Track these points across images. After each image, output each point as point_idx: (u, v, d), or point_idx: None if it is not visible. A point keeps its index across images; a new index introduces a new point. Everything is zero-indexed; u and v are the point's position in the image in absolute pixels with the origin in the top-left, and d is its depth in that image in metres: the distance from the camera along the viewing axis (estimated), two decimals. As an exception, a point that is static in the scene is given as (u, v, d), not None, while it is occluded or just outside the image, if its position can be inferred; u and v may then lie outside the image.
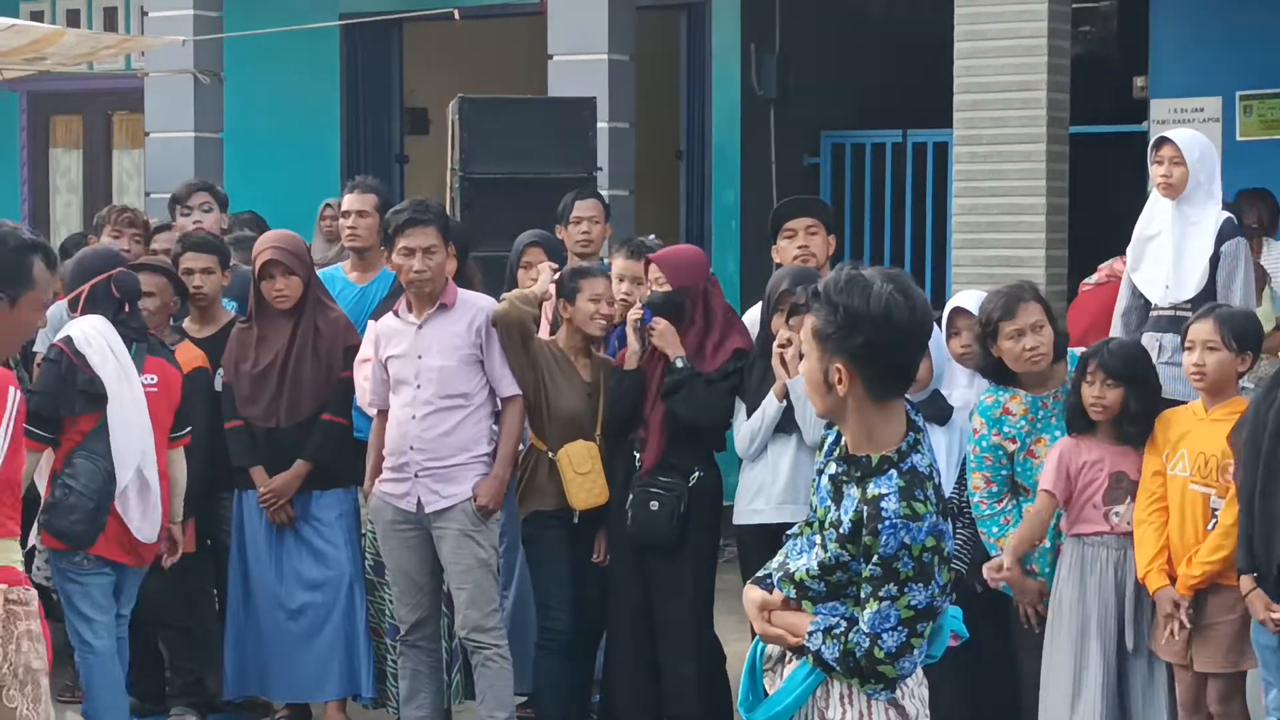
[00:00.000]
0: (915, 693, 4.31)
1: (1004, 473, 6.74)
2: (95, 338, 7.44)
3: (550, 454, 7.47)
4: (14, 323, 5.04)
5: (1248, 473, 6.09)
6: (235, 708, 8.15)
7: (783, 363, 7.12)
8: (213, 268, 8.13)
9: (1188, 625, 6.36)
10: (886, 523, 4.09)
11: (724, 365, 7.32)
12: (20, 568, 5.03)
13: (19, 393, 4.93)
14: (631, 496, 7.29)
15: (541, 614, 7.57)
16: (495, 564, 7.35)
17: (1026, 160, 9.22)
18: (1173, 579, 6.41)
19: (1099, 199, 10.73)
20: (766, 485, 7.23)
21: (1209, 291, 7.42)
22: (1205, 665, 6.41)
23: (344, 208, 8.50)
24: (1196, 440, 6.42)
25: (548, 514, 7.52)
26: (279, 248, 7.79)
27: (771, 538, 6.77)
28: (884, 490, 4.13)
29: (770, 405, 7.18)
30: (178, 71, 12.35)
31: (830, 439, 4.38)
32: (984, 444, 6.74)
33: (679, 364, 7.24)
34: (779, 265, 7.59)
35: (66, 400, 7.33)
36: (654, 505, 7.24)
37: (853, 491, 4.20)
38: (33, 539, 7.35)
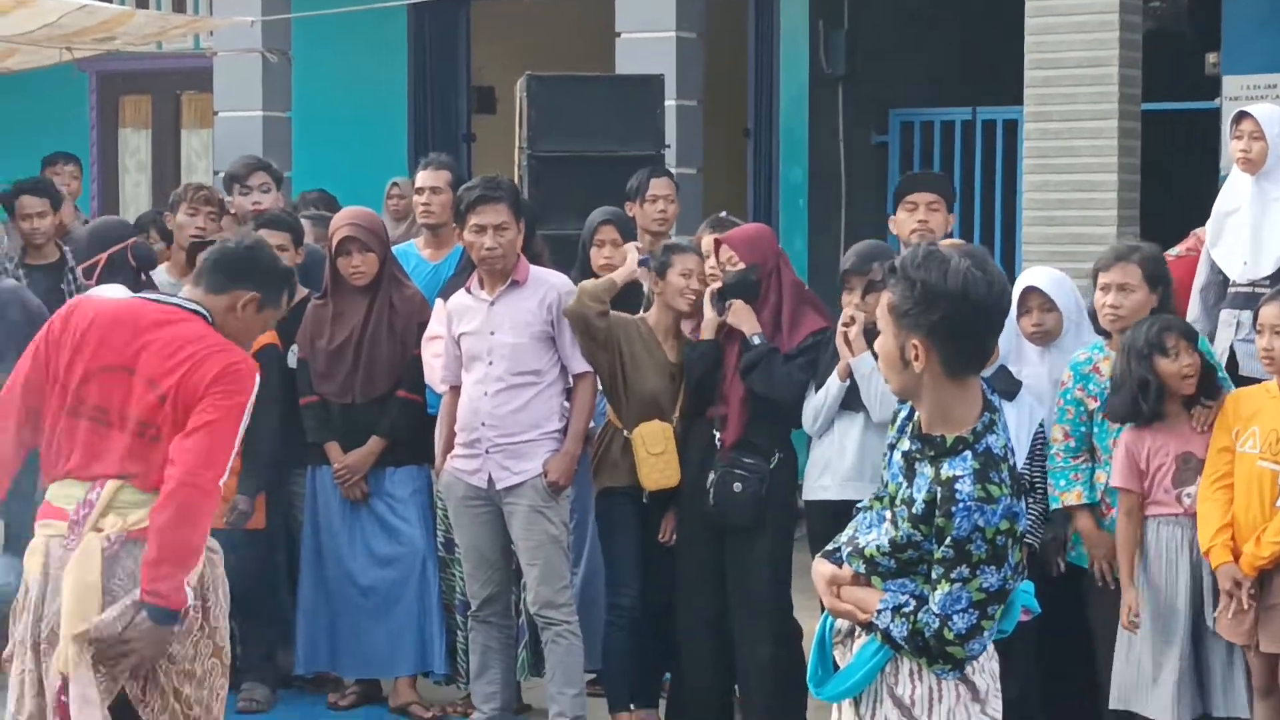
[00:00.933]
0: (985, 667, 4.29)
1: (1083, 429, 6.73)
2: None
3: (626, 432, 7.47)
4: (253, 326, 5.46)
5: None
6: (306, 683, 8.20)
7: (846, 341, 7.11)
8: (286, 245, 8.15)
9: (1246, 605, 6.31)
10: (960, 505, 4.07)
11: (802, 342, 7.30)
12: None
13: (259, 378, 5.29)
14: (714, 477, 7.26)
15: (611, 590, 7.58)
16: (566, 540, 7.37)
17: (1098, 137, 9.18)
18: (1237, 556, 6.36)
19: (1170, 176, 10.69)
20: (834, 462, 7.22)
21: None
22: (1271, 645, 6.34)
23: (417, 184, 8.52)
24: (1268, 418, 6.36)
25: (620, 490, 7.51)
26: (356, 224, 7.83)
27: (838, 515, 6.78)
28: (958, 472, 4.10)
29: (833, 384, 7.16)
30: (246, 51, 12.43)
31: (903, 414, 4.36)
32: (1068, 397, 6.75)
33: (755, 340, 7.23)
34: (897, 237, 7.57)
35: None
36: (737, 487, 7.21)
37: (926, 470, 4.18)
38: None
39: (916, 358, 4.14)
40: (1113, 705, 6.62)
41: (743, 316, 7.27)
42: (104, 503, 5.10)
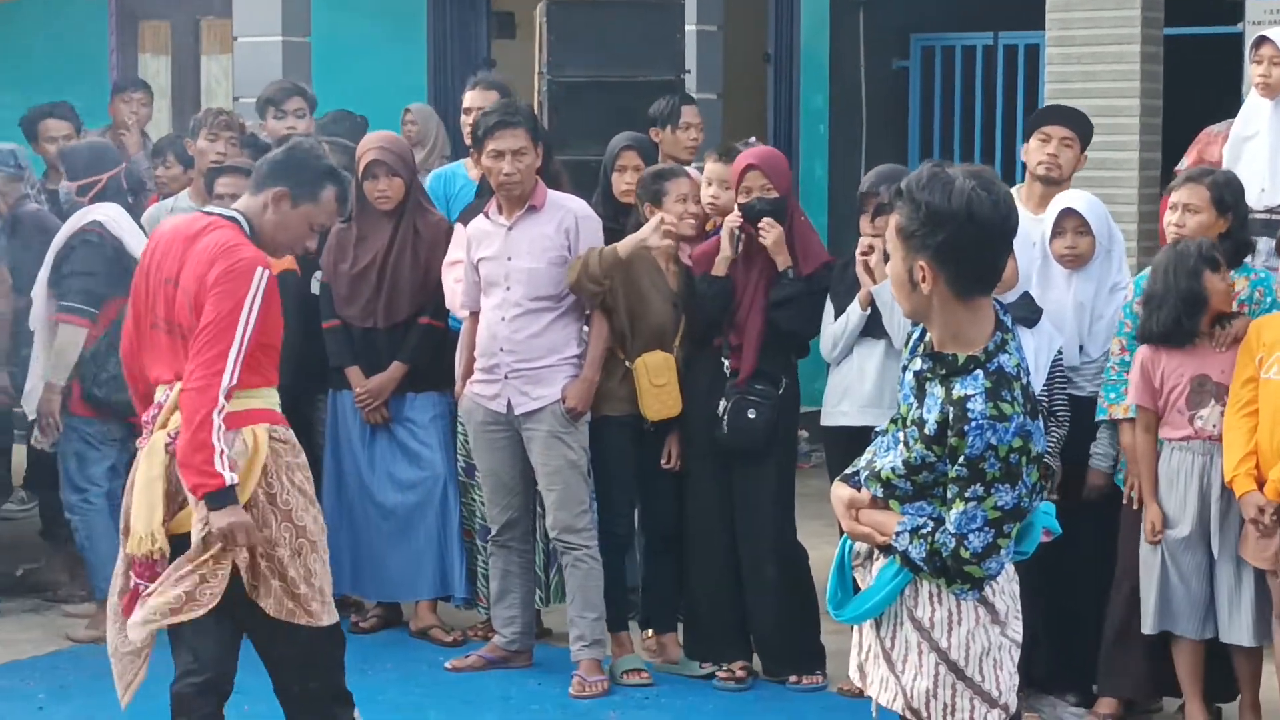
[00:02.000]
0: (1005, 589, 4.30)
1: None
2: (125, 222, 7.97)
3: (627, 362, 7.47)
4: (287, 222, 5.57)
5: None
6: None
7: (866, 269, 7.10)
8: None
9: (1273, 532, 6.32)
10: (973, 424, 4.08)
11: (815, 273, 7.30)
12: (279, 410, 5.55)
13: (267, 270, 5.39)
14: (727, 404, 7.27)
15: (604, 517, 7.60)
16: (585, 465, 7.39)
17: (1119, 61, 9.14)
18: (1260, 484, 6.37)
19: (1192, 102, 10.61)
20: (853, 388, 7.24)
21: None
22: (1295, 570, 6.37)
23: (466, 104, 8.52)
24: (1293, 344, 6.36)
25: (616, 419, 7.52)
26: (384, 148, 7.84)
27: (857, 440, 6.79)
28: (970, 391, 4.11)
29: (854, 312, 7.17)
30: (266, -25, 12.37)
31: (915, 335, 4.37)
32: (1127, 310, 6.77)
33: (789, 274, 7.22)
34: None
35: (116, 280, 7.68)
36: (752, 414, 7.23)
37: (936, 390, 4.19)
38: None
39: (924, 279, 4.15)
40: (1147, 630, 6.64)
41: (780, 246, 7.24)
42: (171, 404, 5.38)
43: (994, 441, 4.07)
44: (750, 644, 7.49)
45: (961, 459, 4.10)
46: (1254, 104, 7.68)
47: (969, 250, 4.11)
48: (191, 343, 5.30)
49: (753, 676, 7.44)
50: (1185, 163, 8.62)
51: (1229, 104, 11.23)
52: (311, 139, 6.16)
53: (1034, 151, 7.29)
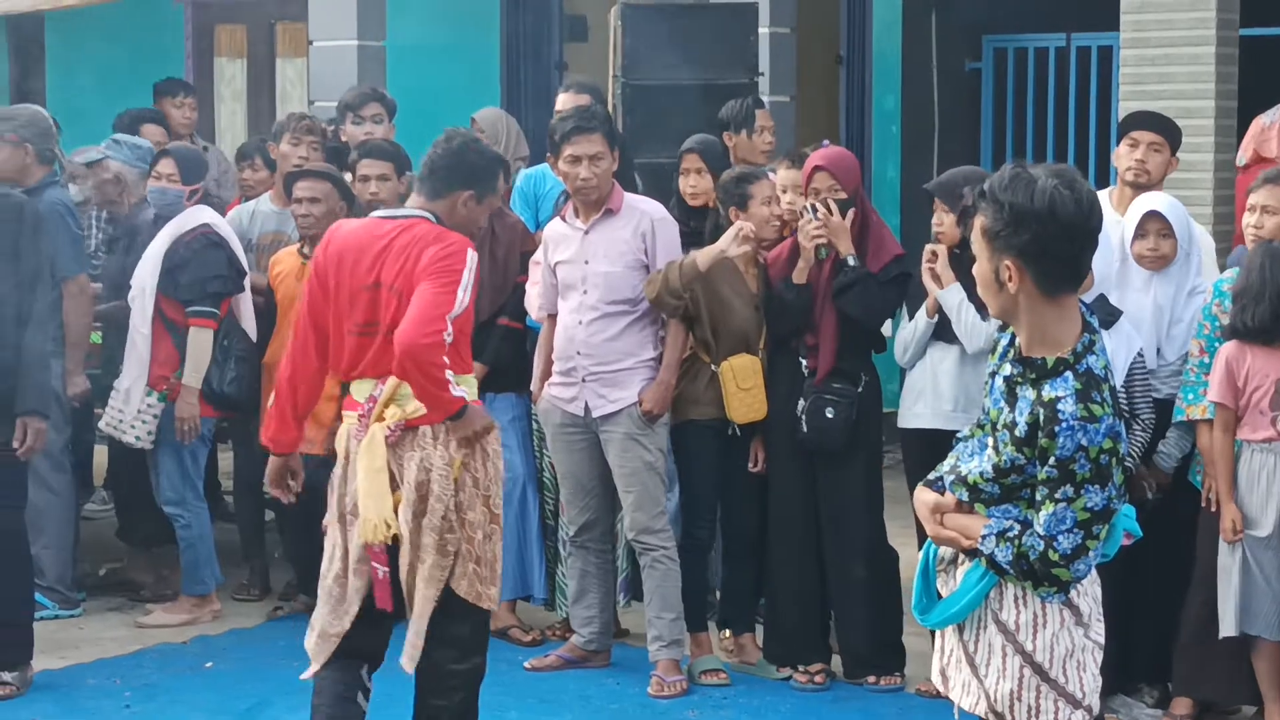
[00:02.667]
0: (1089, 591, 4.34)
1: (1217, 345, 6.76)
2: (225, 226, 8.38)
3: (713, 366, 7.52)
4: (475, 216, 6.02)
5: None
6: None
7: (933, 276, 7.13)
8: (389, 174, 8.29)
9: None
10: (1064, 425, 4.11)
11: (887, 266, 7.33)
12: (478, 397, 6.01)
13: (475, 254, 5.79)
14: (805, 404, 7.31)
15: (687, 519, 7.65)
16: (662, 467, 7.44)
17: (1194, 63, 9.12)
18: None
19: (1268, 103, 10.58)
20: (928, 390, 7.26)
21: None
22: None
23: (558, 107, 8.56)
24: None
25: (703, 423, 7.57)
26: None
27: (933, 442, 6.84)
28: (1060, 393, 4.14)
29: (921, 319, 7.21)
30: (341, -20, 12.46)
31: (1004, 341, 4.40)
32: (1207, 313, 6.80)
33: (851, 262, 7.25)
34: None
35: (232, 280, 8.25)
36: (830, 413, 7.27)
37: (1027, 394, 4.22)
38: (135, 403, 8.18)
39: (1010, 279, 4.19)
40: (1226, 632, 6.65)
41: (840, 235, 7.28)
42: (386, 397, 5.74)
43: (1084, 442, 4.11)
44: (829, 647, 7.53)
45: (1051, 460, 4.13)
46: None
47: (1053, 248, 4.14)
48: (412, 302, 5.65)
49: (830, 679, 7.47)
50: (1242, 157, 8.63)
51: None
52: (464, 130, 6.40)
53: (1123, 157, 7.32)
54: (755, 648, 7.71)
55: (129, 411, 8.16)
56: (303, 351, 5.95)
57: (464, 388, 5.76)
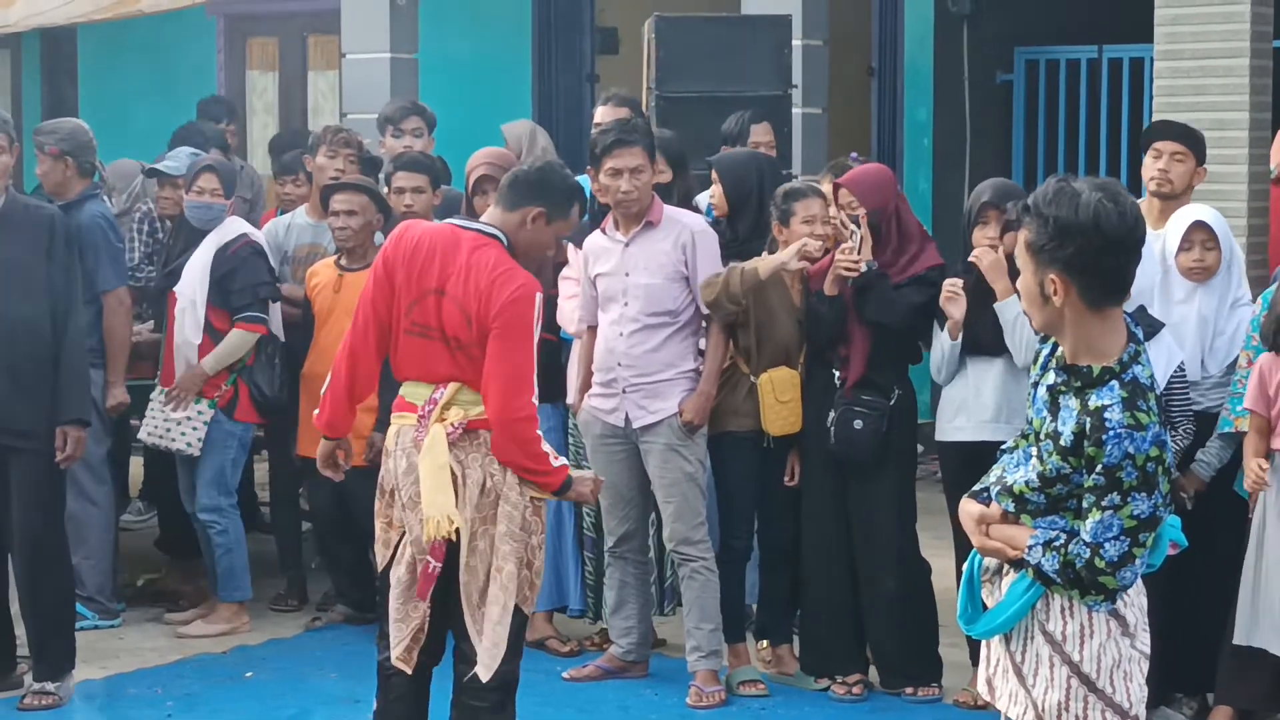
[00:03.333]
0: (1135, 601, 4.35)
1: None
2: (260, 235, 8.54)
3: (753, 377, 7.53)
4: (541, 238, 6.03)
5: None
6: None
7: (951, 300, 7.15)
8: (424, 187, 8.35)
9: None
10: (1111, 433, 4.12)
11: (919, 274, 7.34)
12: None
13: (542, 296, 5.90)
14: (835, 415, 7.33)
15: (725, 532, 7.67)
16: (702, 478, 7.46)
17: (1229, 75, 9.10)
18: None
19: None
20: (969, 404, 7.25)
21: None
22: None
23: (597, 119, 8.57)
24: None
25: (741, 434, 7.59)
26: (492, 163, 7.97)
27: (973, 456, 6.86)
28: (1107, 401, 4.16)
29: (945, 340, 7.22)
30: (374, -6, 12.50)
31: (1045, 351, 4.42)
32: (1255, 324, 6.82)
33: (865, 268, 7.27)
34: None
35: (272, 288, 8.41)
36: (858, 424, 7.28)
37: (1070, 403, 4.23)
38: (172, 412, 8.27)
39: (1056, 292, 4.20)
40: (1236, 640, 6.68)
41: (862, 244, 7.31)
42: (446, 400, 5.84)
43: (1131, 450, 4.12)
44: (867, 657, 7.55)
45: (1099, 468, 4.15)
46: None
47: (1098, 261, 4.16)
48: (488, 372, 5.76)
49: (868, 690, 7.49)
50: (1273, 168, 8.63)
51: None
52: (553, 161, 6.50)
53: (1147, 168, 7.34)
54: (793, 658, 7.73)
55: (177, 419, 8.21)
56: (363, 338, 6.00)
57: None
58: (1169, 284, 6.96)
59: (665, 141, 8.00)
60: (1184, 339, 6.87)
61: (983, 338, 7.18)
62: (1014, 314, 6.96)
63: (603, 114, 8.60)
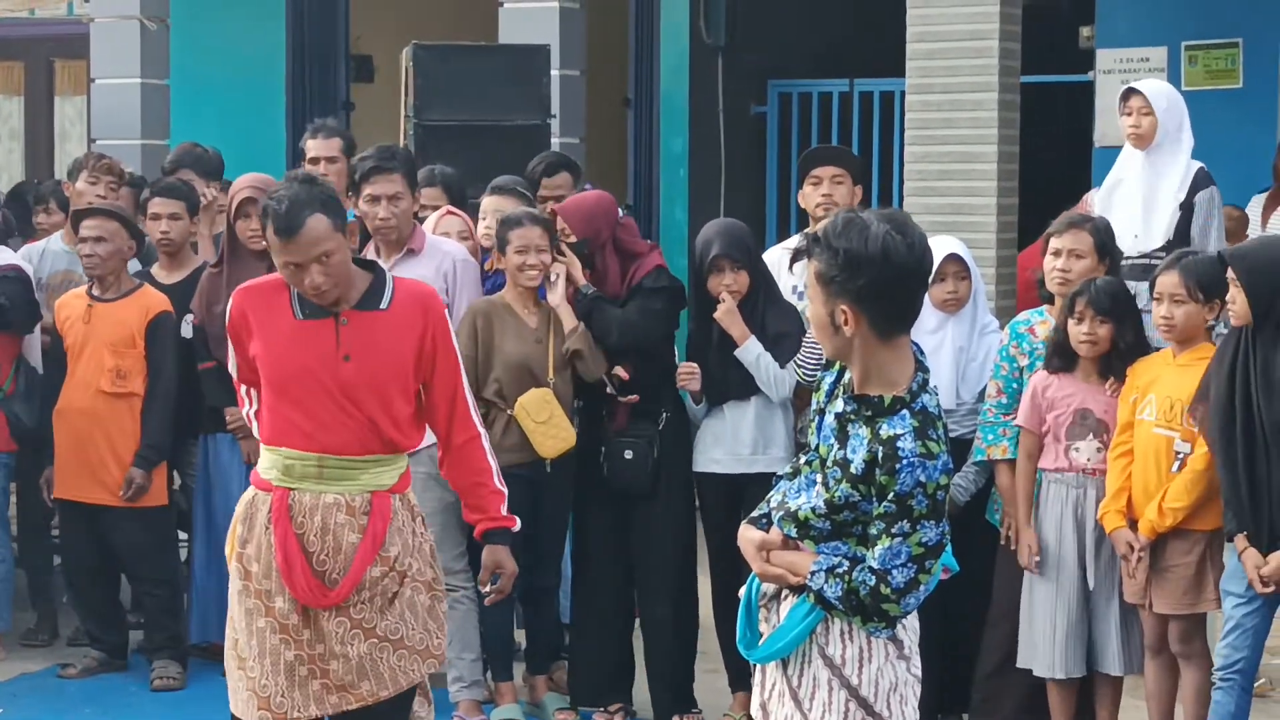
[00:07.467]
0: (909, 624, 4.41)
1: (1014, 386, 6.89)
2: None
3: (507, 409, 7.46)
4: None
5: (1224, 439, 6.17)
6: (200, 651, 8.16)
7: (690, 375, 7.27)
8: (180, 213, 8.18)
9: (1134, 571, 6.49)
10: (904, 462, 4.17)
11: (638, 283, 7.33)
12: None
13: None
14: (605, 448, 7.34)
15: (529, 570, 7.59)
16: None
17: (978, 109, 9.29)
18: (1132, 521, 6.53)
19: (1045, 147, 10.86)
20: (725, 438, 7.27)
21: (1179, 241, 7.52)
22: (1163, 606, 6.51)
23: (310, 154, 8.44)
24: (1164, 385, 6.51)
25: (512, 472, 7.50)
26: (256, 187, 7.79)
27: (732, 488, 6.93)
28: (899, 430, 4.21)
29: (692, 406, 7.33)
30: (124, 17, 12.30)
31: (829, 379, 4.46)
32: (1004, 354, 6.94)
33: (583, 293, 7.29)
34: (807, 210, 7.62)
35: (33, 315, 8.23)
36: (628, 454, 7.28)
37: (861, 431, 4.27)
38: None
39: (846, 322, 4.25)
40: (1020, 664, 6.80)
41: (572, 266, 7.34)
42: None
43: (923, 479, 4.17)
44: (631, 686, 7.54)
45: (890, 496, 4.19)
46: (1125, 154, 7.87)
47: (888, 292, 4.22)
48: None
49: (630, 718, 7.49)
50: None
51: (1080, 149, 11.54)
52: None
53: (809, 196, 7.56)
54: (545, 687, 7.68)
55: None
56: None
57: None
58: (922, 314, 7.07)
59: (446, 176, 7.95)
60: (939, 369, 6.96)
61: (733, 389, 7.24)
62: (754, 355, 7.08)
63: (314, 148, 8.43)
